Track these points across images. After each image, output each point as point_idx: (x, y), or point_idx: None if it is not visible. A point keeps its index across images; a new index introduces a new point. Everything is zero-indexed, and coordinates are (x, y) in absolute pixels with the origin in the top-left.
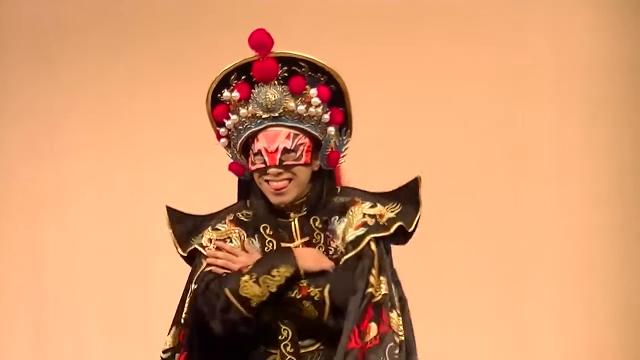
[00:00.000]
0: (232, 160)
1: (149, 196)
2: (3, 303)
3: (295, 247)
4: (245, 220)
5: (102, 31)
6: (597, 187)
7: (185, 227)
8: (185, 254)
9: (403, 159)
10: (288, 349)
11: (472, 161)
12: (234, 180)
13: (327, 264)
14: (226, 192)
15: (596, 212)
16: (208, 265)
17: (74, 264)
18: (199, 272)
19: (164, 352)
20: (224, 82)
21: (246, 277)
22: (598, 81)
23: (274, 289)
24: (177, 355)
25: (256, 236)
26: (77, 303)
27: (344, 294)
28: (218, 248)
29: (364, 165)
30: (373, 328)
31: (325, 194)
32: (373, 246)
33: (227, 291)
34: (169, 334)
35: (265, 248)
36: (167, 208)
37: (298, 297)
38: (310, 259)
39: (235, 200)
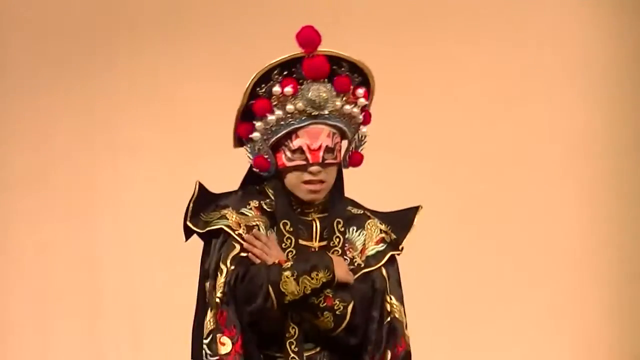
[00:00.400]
0: (255, 155)
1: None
2: (59, 298)
3: (313, 248)
4: (269, 210)
5: (160, 27)
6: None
7: (202, 201)
8: (193, 227)
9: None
10: (293, 347)
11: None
12: None
13: (351, 278)
14: None
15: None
16: (243, 250)
17: (129, 260)
18: (233, 255)
19: (205, 337)
20: (265, 77)
21: (288, 273)
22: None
23: (308, 291)
24: (218, 335)
25: (274, 230)
26: (133, 299)
27: (363, 315)
28: (256, 236)
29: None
30: (388, 354)
31: (340, 195)
32: (384, 272)
33: (268, 285)
34: (206, 315)
35: (283, 244)
36: (198, 183)
37: (322, 305)
38: (342, 269)
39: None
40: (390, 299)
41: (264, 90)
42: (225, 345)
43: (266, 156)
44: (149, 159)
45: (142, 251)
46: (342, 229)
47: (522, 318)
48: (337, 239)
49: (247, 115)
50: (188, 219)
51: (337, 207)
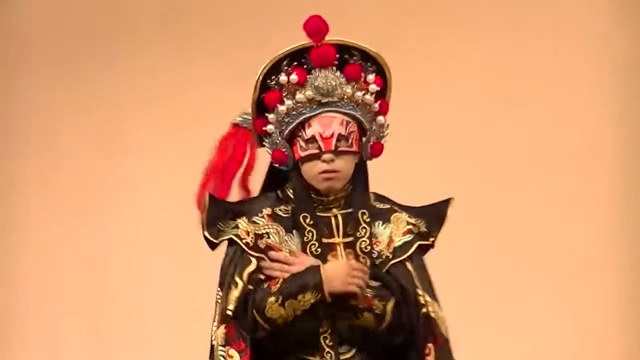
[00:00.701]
0: (273, 149)
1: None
2: (66, 299)
3: (336, 244)
4: (284, 215)
5: (163, 28)
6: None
7: (217, 211)
8: (210, 237)
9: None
10: (327, 341)
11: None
12: None
13: (353, 286)
14: None
15: None
16: (259, 267)
17: (134, 260)
18: (249, 271)
19: (221, 346)
20: (274, 69)
21: (272, 299)
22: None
23: (299, 313)
24: (226, 348)
25: (294, 231)
26: (139, 302)
27: (407, 312)
28: (273, 259)
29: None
30: (431, 347)
31: (363, 188)
32: (409, 265)
33: (254, 311)
34: (218, 328)
35: (305, 238)
36: (210, 195)
37: (360, 306)
38: (338, 279)
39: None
40: (422, 293)
41: (274, 82)
42: (233, 358)
43: (283, 149)
44: (153, 159)
45: (147, 252)
46: (368, 219)
47: (524, 317)
48: (364, 230)
49: (261, 110)
50: (205, 229)
51: (361, 200)
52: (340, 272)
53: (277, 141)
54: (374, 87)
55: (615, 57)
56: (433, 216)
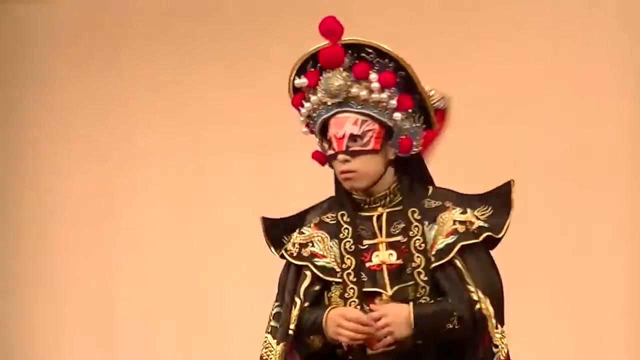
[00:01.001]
0: (316, 149)
1: (220, 199)
2: (73, 304)
3: (379, 243)
4: (330, 222)
5: (174, 35)
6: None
7: (278, 230)
8: (278, 255)
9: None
10: None
11: (539, 160)
12: (303, 180)
13: (342, 337)
14: (294, 192)
15: None
16: (314, 280)
17: (144, 266)
18: (305, 287)
19: None
20: (301, 70)
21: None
22: None
23: (317, 349)
24: None
25: (335, 237)
26: (147, 306)
27: (432, 330)
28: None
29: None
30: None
31: (416, 184)
32: (458, 262)
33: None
34: (277, 344)
35: (341, 235)
36: (262, 218)
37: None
38: (331, 326)
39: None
40: (474, 289)
41: (296, 83)
42: None
43: (321, 149)
44: (164, 165)
45: (157, 259)
46: (419, 217)
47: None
48: (416, 228)
49: None
50: (271, 248)
51: (410, 197)
52: (336, 318)
53: (317, 141)
54: (375, 86)
55: (617, 57)
56: (498, 202)
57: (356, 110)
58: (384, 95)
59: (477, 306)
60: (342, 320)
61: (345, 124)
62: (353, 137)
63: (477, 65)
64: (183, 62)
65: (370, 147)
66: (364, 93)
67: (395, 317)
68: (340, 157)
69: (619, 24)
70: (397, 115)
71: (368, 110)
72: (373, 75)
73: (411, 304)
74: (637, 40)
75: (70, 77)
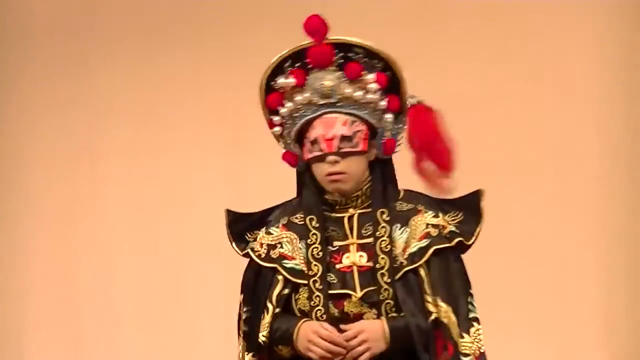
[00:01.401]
0: (284, 150)
1: (186, 198)
2: (37, 305)
3: (350, 244)
4: (299, 223)
5: (142, 35)
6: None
7: (241, 225)
8: (241, 253)
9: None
10: None
11: (508, 161)
12: (272, 180)
13: (314, 354)
14: (263, 192)
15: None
16: (286, 284)
17: (108, 266)
18: (277, 293)
19: None
20: (277, 70)
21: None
22: None
23: (285, 358)
24: None
25: (303, 239)
26: (111, 306)
27: (403, 337)
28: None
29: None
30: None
31: (388, 185)
32: (422, 271)
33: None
34: (248, 353)
35: (309, 240)
36: (226, 210)
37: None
38: (302, 341)
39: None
40: (431, 299)
41: (276, 83)
42: None
43: (294, 151)
44: (128, 164)
45: (122, 258)
46: (388, 218)
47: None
48: (384, 229)
49: (272, 112)
50: (232, 243)
51: (380, 199)
52: (307, 332)
53: (288, 142)
54: (373, 86)
55: (611, 58)
56: (468, 209)
57: (346, 111)
58: (376, 96)
59: (432, 317)
60: (314, 337)
61: (335, 124)
62: (343, 138)
63: (454, 68)
64: (151, 62)
65: (359, 148)
66: (358, 94)
67: (373, 332)
68: (330, 158)
69: (598, 25)
70: (389, 117)
71: (358, 110)
72: (371, 76)
73: (383, 318)
74: (614, 41)
75: (36, 77)
